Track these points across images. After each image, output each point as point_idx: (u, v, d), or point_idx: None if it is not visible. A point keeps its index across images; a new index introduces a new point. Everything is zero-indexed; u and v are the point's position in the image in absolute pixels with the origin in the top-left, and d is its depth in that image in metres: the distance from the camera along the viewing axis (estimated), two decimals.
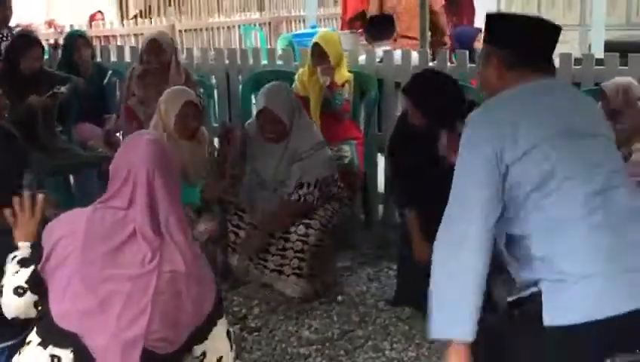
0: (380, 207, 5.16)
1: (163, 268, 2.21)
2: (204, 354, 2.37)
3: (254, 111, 4.65)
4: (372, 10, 7.46)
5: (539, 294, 2.22)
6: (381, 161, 5.10)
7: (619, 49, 5.52)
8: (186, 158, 4.26)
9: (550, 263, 2.22)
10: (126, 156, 2.33)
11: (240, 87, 5.59)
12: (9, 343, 2.58)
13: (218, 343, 2.41)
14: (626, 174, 2.34)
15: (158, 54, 4.97)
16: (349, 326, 3.89)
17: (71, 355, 2.18)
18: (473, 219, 2.17)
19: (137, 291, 2.18)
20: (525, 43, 2.38)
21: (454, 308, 2.17)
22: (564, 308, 2.18)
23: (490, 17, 2.48)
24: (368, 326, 3.89)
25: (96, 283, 2.18)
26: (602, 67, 4.68)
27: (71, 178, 5.16)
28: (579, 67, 4.83)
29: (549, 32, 2.44)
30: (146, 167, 2.25)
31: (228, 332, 2.47)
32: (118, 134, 5.56)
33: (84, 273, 2.18)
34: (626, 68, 4.53)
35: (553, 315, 2.18)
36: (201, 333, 2.33)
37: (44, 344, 2.21)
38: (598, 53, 6.14)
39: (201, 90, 5.20)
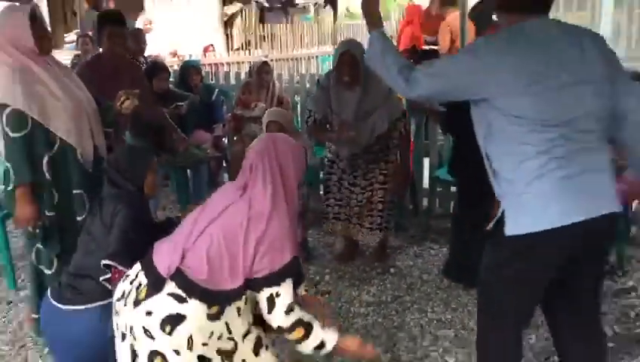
0: (425, 200, 5.09)
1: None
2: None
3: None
4: (444, 47, 7.08)
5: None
6: (426, 163, 5.02)
7: None
8: None
9: (511, 182, 2.15)
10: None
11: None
12: (100, 303, 2.44)
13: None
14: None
15: (267, 72, 5.31)
16: (399, 293, 3.86)
17: None
18: None
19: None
20: None
21: None
22: (520, 219, 2.13)
23: None
24: (414, 292, 3.85)
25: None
26: None
27: (188, 173, 5.22)
28: None
29: None
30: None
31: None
32: (224, 139, 5.65)
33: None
34: None
35: (511, 226, 2.15)
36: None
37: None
38: None
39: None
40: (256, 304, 2.20)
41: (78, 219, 3.05)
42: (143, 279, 2.10)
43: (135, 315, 2.05)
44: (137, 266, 2.18)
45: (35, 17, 2.93)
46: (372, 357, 2.35)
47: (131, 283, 2.14)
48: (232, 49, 14.03)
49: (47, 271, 3.07)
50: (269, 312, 2.12)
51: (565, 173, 2.06)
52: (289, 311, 2.11)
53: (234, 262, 2.06)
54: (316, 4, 19.10)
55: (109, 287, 2.38)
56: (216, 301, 2.08)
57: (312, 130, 4.18)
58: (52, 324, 2.55)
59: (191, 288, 2.04)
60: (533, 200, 2.10)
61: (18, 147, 2.87)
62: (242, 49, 13.96)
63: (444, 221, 4.71)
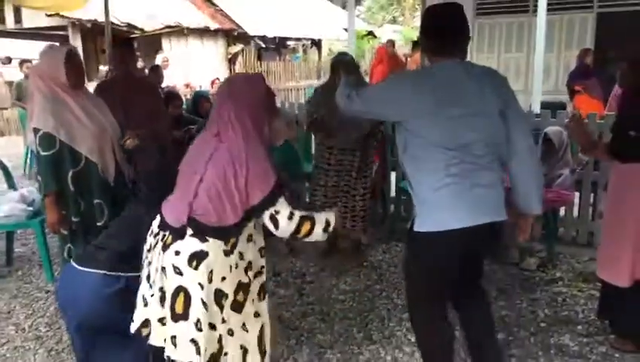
0: (392, 206, 5.08)
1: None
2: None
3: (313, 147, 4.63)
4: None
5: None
6: (393, 176, 5.01)
7: (550, 107, 5.39)
8: None
9: (418, 190, 2.23)
10: None
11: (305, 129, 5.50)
12: (127, 274, 2.34)
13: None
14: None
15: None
16: (371, 282, 3.84)
17: None
18: None
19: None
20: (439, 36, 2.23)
21: None
22: (425, 220, 2.21)
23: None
24: (383, 282, 3.83)
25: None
26: (539, 119, 4.55)
27: None
28: None
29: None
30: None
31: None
32: None
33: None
34: (555, 120, 4.40)
35: (418, 224, 2.24)
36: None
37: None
38: (537, 109, 5.99)
39: None
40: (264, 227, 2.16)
41: (98, 224, 3.08)
42: (164, 231, 2.08)
43: (165, 257, 2.03)
44: (157, 221, 2.15)
45: (70, 57, 2.94)
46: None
47: (155, 236, 2.12)
48: None
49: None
50: (277, 228, 2.09)
51: (458, 188, 2.13)
52: (290, 217, 2.08)
53: (232, 200, 2.01)
54: (304, 45, 19.16)
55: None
56: (229, 235, 2.04)
57: (312, 126, 4.13)
58: (65, 282, 2.49)
59: (205, 230, 2.01)
60: (433, 207, 2.18)
61: (46, 163, 2.92)
62: None
63: (407, 224, 4.69)
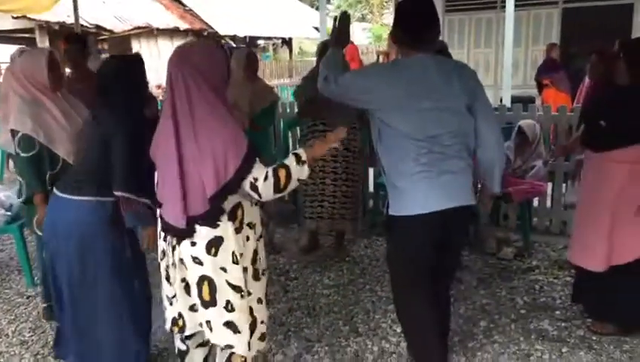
0: (371, 202, 5.14)
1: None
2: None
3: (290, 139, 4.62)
4: None
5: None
6: (371, 172, 5.07)
7: (520, 101, 5.52)
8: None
9: (391, 177, 2.36)
10: None
11: (281, 124, 5.50)
12: (110, 199, 2.39)
13: None
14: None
15: None
16: (354, 277, 3.88)
17: None
18: None
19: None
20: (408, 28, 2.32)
21: None
22: (397, 205, 2.36)
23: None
24: (366, 276, 3.88)
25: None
26: (511, 113, 4.66)
27: None
28: (497, 113, 4.73)
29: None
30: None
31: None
32: None
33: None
34: (527, 113, 4.52)
35: (392, 209, 2.38)
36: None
37: None
38: (508, 103, 6.12)
39: None
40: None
41: None
42: (171, 233, 2.09)
43: (182, 249, 2.06)
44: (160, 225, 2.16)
45: (52, 59, 2.92)
46: (337, 137, 2.14)
47: (164, 239, 2.15)
48: None
49: None
50: (259, 195, 1.99)
51: (427, 175, 2.25)
52: (266, 178, 1.97)
53: (217, 177, 1.93)
54: (274, 44, 19.15)
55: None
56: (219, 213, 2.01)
57: (304, 107, 4.10)
58: (52, 212, 2.52)
59: (209, 217, 2.00)
60: (405, 193, 2.30)
61: (28, 165, 2.89)
62: None
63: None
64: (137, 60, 2.58)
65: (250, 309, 2.15)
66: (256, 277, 2.18)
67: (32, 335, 3.24)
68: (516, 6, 7.83)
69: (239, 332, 2.10)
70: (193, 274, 2.07)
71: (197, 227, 2.03)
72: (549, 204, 4.58)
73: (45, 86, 2.90)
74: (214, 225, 2.02)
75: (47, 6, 5.69)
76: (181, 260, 2.08)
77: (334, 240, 4.35)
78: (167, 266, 2.17)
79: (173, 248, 2.10)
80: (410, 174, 2.26)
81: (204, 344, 2.35)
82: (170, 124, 1.98)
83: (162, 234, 2.17)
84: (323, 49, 3.85)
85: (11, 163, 6.56)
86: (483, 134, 2.35)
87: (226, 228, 2.03)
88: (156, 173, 2.20)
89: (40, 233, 2.99)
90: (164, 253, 2.18)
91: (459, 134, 2.28)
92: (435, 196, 2.26)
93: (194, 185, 1.98)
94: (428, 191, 2.26)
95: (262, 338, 2.24)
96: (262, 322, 2.22)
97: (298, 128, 4.78)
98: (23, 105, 2.88)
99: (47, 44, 10.66)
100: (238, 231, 2.07)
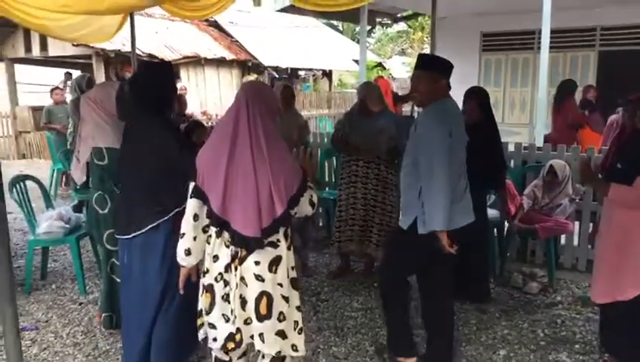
0: None
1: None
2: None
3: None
4: None
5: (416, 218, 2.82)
6: None
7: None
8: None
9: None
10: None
11: (319, 153, 5.75)
12: (151, 225, 2.65)
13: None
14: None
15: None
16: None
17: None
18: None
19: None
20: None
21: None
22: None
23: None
24: None
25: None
26: (541, 152, 4.80)
27: None
28: (527, 151, 4.88)
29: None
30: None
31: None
32: None
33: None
34: (556, 152, 4.66)
35: (422, 228, 2.78)
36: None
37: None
38: (540, 143, 6.23)
39: None
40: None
41: None
42: (237, 243, 2.25)
43: (244, 269, 2.25)
44: (220, 240, 2.31)
45: (122, 92, 3.26)
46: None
47: (227, 246, 2.28)
48: None
49: (118, 280, 3.27)
50: (313, 208, 2.35)
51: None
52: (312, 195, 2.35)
53: (280, 194, 2.21)
54: (314, 75, 19.56)
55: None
56: (286, 224, 2.29)
57: (336, 139, 4.38)
58: (125, 254, 2.77)
59: (277, 225, 2.25)
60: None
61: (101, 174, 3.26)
62: None
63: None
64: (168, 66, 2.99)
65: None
66: (295, 287, 2.41)
67: (84, 338, 3.52)
68: (552, 48, 7.95)
69: (287, 337, 2.35)
70: (253, 290, 2.25)
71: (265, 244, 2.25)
72: (575, 241, 4.67)
73: (113, 114, 3.23)
74: (275, 246, 2.28)
75: (110, 36, 6.12)
76: (242, 278, 2.26)
77: (364, 266, 4.53)
78: (225, 286, 2.32)
79: (235, 268, 2.28)
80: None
81: (245, 353, 2.55)
82: (229, 145, 2.21)
83: (218, 256, 2.32)
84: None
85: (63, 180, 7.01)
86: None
87: (284, 247, 2.30)
88: (210, 194, 2.30)
89: (109, 247, 3.29)
90: (221, 275, 2.31)
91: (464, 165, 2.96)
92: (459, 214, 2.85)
93: (263, 200, 2.21)
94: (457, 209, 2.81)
95: (300, 331, 2.42)
96: (300, 326, 2.43)
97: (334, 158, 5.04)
98: (103, 124, 3.27)
99: (102, 69, 11.30)
100: (289, 248, 2.34)
